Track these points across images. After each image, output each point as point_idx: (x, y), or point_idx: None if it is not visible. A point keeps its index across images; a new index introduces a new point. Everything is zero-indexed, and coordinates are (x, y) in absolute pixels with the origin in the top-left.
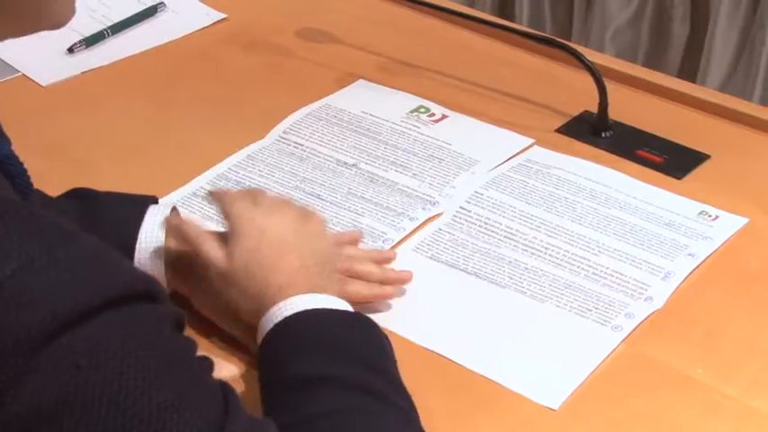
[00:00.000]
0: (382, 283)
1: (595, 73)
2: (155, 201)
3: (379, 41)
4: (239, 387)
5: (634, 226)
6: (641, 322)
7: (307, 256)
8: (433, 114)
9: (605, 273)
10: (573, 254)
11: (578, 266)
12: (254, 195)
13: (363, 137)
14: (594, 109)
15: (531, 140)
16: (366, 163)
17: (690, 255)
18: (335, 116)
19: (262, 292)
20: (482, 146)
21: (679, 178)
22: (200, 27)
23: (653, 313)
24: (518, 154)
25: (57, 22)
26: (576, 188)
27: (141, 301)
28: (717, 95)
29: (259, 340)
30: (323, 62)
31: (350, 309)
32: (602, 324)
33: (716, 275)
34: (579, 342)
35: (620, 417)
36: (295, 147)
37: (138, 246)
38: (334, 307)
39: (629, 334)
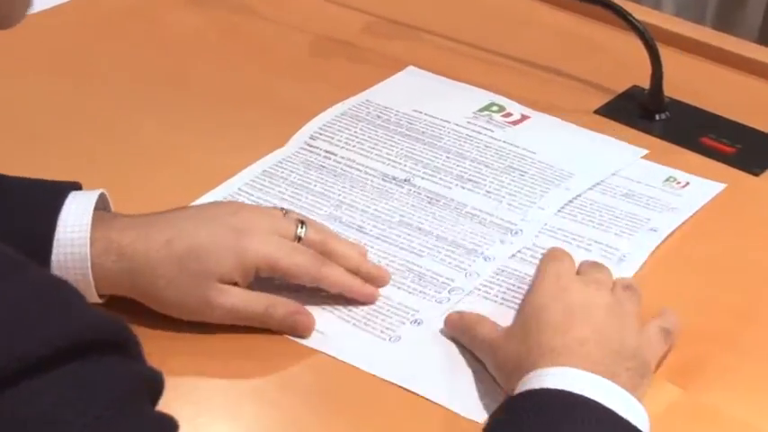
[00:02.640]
0: (361, 275)
1: (647, 37)
2: (77, 187)
3: None
4: None
5: (585, 197)
6: None
7: (607, 336)
8: (510, 114)
9: (538, 255)
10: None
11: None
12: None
13: (418, 143)
14: (646, 84)
15: (644, 151)
16: (423, 177)
17: (652, 230)
18: (379, 116)
19: (526, 353)
20: (577, 155)
21: (756, 174)
22: None
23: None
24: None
25: (5, 24)
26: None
27: (105, 354)
28: None
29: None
30: (292, 23)
31: (641, 414)
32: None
33: None
34: None
35: None
36: (326, 157)
37: (56, 238)
38: (615, 408)
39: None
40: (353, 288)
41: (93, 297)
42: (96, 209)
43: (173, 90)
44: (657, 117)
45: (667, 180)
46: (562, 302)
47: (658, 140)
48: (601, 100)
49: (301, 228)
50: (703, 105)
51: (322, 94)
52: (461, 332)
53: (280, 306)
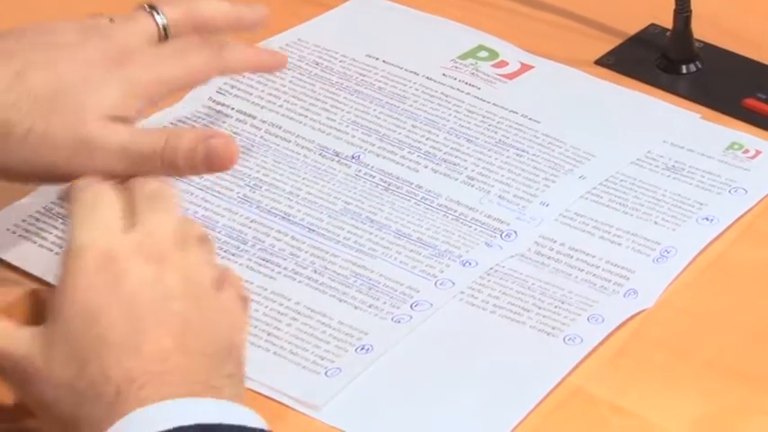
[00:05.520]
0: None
1: None
2: None
3: None
4: None
5: (614, 175)
6: (615, 330)
7: (194, 338)
8: (505, 63)
9: (559, 253)
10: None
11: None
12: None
13: (372, 104)
14: (668, 23)
15: (697, 115)
16: (378, 154)
17: (707, 218)
18: (317, 63)
19: (89, 391)
20: (602, 127)
21: None
22: None
23: (638, 315)
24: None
25: None
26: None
27: None
28: None
29: None
30: None
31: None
32: (549, 333)
33: None
34: (518, 362)
35: None
36: (239, 120)
37: None
38: (229, 422)
39: (595, 349)
40: (263, 60)
41: None
42: None
43: None
44: (684, 69)
45: (730, 147)
46: (120, 300)
47: (685, 101)
48: (603, 46)
49: (158, 15)
50: (748, 52)
51: None
52: None
53: (185, 134)
